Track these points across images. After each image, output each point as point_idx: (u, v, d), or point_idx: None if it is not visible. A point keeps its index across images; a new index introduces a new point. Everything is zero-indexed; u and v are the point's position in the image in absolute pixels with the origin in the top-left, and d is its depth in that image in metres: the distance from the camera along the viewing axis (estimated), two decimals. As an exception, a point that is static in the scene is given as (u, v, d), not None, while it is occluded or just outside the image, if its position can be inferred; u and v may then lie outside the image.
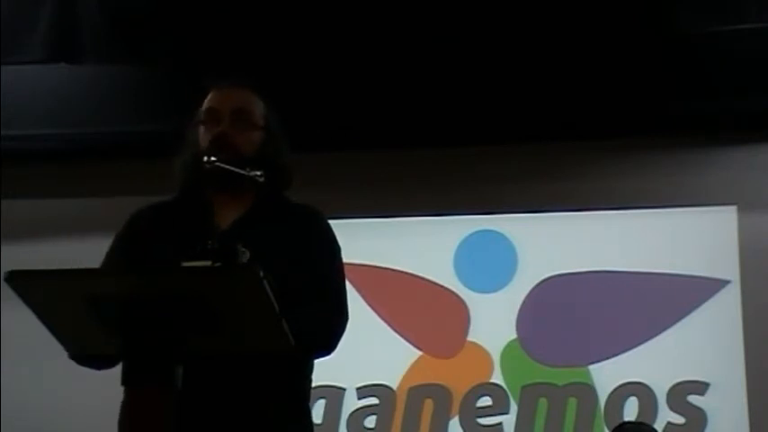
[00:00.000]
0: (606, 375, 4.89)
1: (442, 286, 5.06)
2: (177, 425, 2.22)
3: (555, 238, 5.04)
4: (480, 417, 4.94)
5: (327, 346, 2.62)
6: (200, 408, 2.43)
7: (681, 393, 4.83)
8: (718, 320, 4.86)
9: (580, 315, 4.95)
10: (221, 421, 2.48)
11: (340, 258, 2.73)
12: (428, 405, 4.97)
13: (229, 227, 2.64)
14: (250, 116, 2.74)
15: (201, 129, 2.72)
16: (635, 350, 4.89)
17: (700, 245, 4.94)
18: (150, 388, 2.25)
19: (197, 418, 2.41)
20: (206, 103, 2.76)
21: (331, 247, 2.73)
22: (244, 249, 2.44)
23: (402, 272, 5.08)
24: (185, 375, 2.25)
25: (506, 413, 4.93)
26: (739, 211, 4.92)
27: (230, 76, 2.81)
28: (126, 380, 2.33)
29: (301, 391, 2.65)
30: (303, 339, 2.37)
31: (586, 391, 4.90)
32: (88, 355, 2.49)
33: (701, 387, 4.83)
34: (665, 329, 4.89)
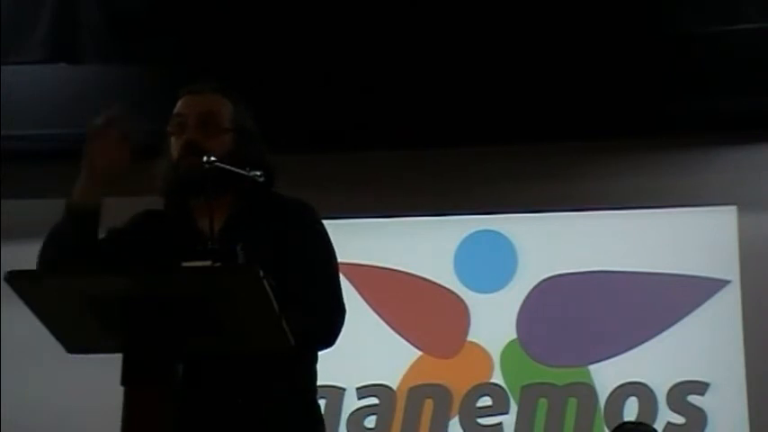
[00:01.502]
0: (606, 375, 4.89)
1: (442, 286, 5.06)
2: (178, 424, 2.22)
3: (555, 238, 5.04)
4: (480, 417, 4.94)
5: (327, 342, 2.62)
6: (202, 407, 2.43)
7: (681, 393, 4.83)
8: (719, 320, 4.86)
9: (580, 315, 4.95)
10: (222, 421, 2.48)
11: (333, 252, 2.71)
12: (428, 405, 4.97)
13: (222, 227, 2.63)
14: (216, 119, 2.68)
15: (172, 138, 2.70)
16: (635, 350, 4.89)
17: (700, 245, 4.94)
18: (150, 388, 2.25)
19: (198, 418, 2.41)
20: (174, 111, 2.73)
21: (323, 241, 2.71)
22: (241, 252, 2.44)
23: (402, 272, 5.08)
24: (186, 374, 2.25)
25: (506, 413, 4.93)
26: (739, 211, 4.92)
27: (200, 80, 2.77)
28: (126, 380, 2.33)
29: (306, 384, 2.64)
30: (303, 337, 2.37)
31: (586, 391, 4.90)
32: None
33: (701, 387, 4.83)
34: (665, 329, 4.89)
